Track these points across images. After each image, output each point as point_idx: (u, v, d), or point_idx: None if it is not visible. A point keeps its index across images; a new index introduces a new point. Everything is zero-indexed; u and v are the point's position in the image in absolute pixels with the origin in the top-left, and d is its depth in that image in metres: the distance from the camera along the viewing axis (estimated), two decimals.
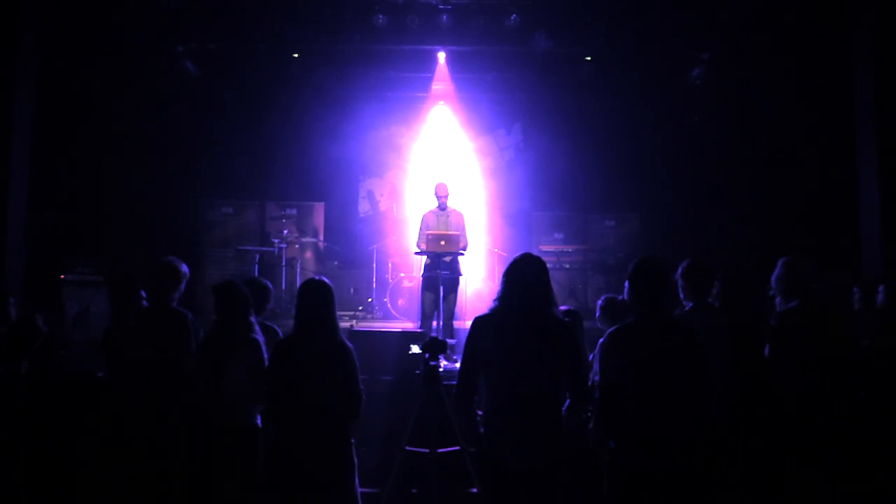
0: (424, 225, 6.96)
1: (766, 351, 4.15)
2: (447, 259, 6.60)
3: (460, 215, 7.03)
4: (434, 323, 6.60)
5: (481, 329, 2.96)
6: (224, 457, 3.55)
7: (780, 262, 4.06)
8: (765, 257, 7.47)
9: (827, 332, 3.86)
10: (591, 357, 4.25)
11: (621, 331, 2.93)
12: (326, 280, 3.45)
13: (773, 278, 4.08)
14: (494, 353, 2.90)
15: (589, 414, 3.19)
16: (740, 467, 3.78)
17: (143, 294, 4.39)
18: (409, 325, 7.70)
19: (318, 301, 3.37)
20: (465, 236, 6.89)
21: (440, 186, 7.03)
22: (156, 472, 3.83)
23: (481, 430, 2.95)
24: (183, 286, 4.17)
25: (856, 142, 7.12)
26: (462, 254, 6.75)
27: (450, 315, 6.74)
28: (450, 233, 6.69)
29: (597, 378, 2.97)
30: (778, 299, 4.68)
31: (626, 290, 3.05)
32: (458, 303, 7.01)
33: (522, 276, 2.96)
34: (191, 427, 3.67)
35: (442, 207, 6.99)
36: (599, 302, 4.38)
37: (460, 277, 6.88)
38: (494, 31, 8.62)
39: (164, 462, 3.83)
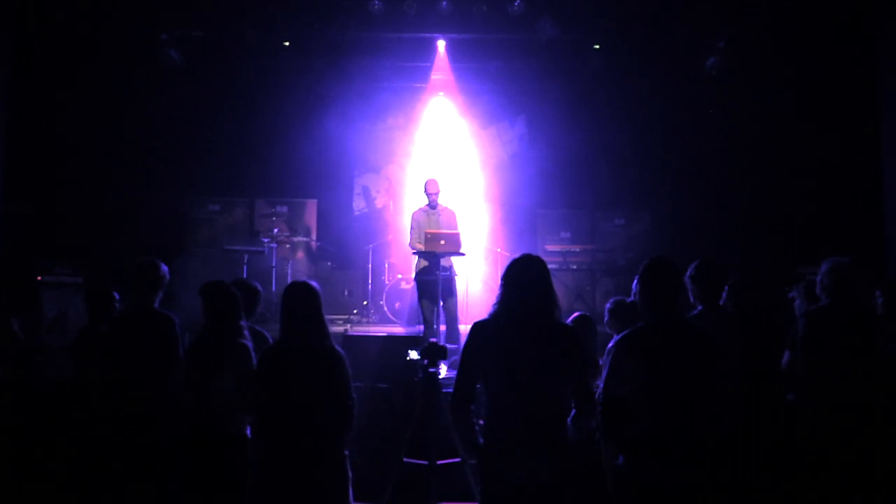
0: (416, 224, 6.95)
1: (785, 358, 4.18)
2: (446, 262, 6.60)
3: (452, 214, 7.00)
4: (438, 328, 6.63)
5: (480, 335, 2.97)
6: (211, 468, 3.57)
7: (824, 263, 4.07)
8: (782, 258, 7.54)
9: (856, 336, 3.88)
10: (600, 362, 4.28)
11: (631, 336, 2.94)
12: (312, 283, 3.46)
13: (817, 279, 4.09)
14: (494, 360, 2.90)
15: (595, 425, 3.20)
16: (755, 479, 3.80)
17: (117, 296, 4.41)
18: (407, 330, 7.73)
19: (304, 305, 3.37)
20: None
21: (430, 183, 7.00)
22: (140, 484, 3.85)
23: (481, 441, 2.97)
24: (165, 288, 4.20)
25: (880, 136, 7.14)
26: (463, 254, 6.76)
27: (452, 318, 6.74)
28: (451, 232, 6.69)
29: (601, 385, 2.98)
30: (797, 302, 4.71)
31: (635, 291, 3.06)
32: (459, 305, 7.01)
33: (521, 279, 2.96)
34: (177, 436, 3.68)
35: (433, 206, 6.95)
36: (608, 305, 4.40)
37: (456, 278, 6.88)
38: (497, 18, 8.63)
39: (149, 473, 3.84)
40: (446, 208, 7.04)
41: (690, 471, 2.79)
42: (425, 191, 6.99)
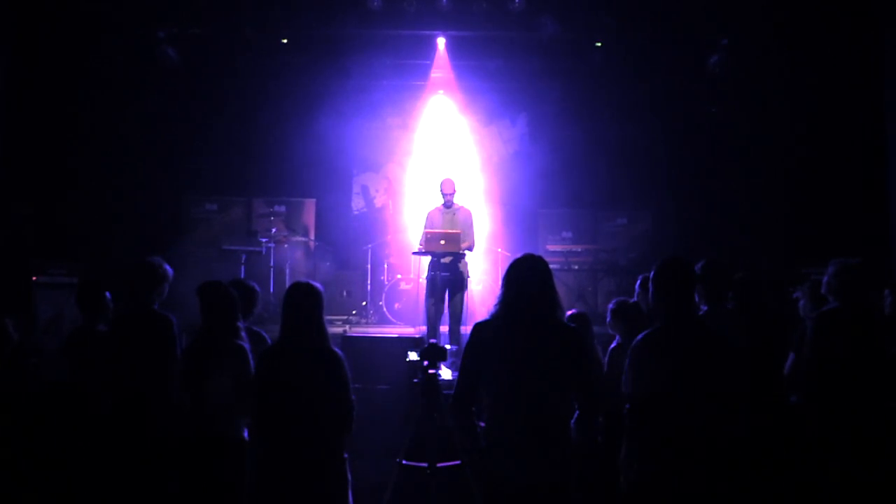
0: (429, 223, 6.94)
1: (789, 359, 4.16)
2: (446, 260, 6.60)
3: (468, 213, 7.02)
4: (444, 328, 6.62)
5: (480, 336, 2.96)
6: (208, 471, 3.55)
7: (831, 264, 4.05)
8: (786, 258, 7.53)
9: (867, 339, 3.86)
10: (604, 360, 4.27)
11: (650, 338, 2.93)
12: (315, 283, 3.45)
13: (824, 280, 4.08)
14: (495, 362, 2.89)
15: (597, 426, 3.19)
16: (758, 480, 3.78)
17: (109, 296, 4.40)
18: (407, 331, 7.71)
19: (306, 306, 3.36)
20: (472, 235, 6.90)
21: (446, 183, 7.01)
22: (137, 486, 3.83)
23: (482, 443, 2.95)
24: (166, 289, 4.18)
25: (886, 134, 7.13)
26: (464, 254, 6.74)
27: (455, 320, 6.73)
28: (450, 231, 6.68)
29: (626, 390, 2.96)
30: (801, 302, 4.69)
31: (649, 293, 3.05)
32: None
33: (523, 279, 2.94)
34: (174, 438, 3.67)
35: (448, 205, 6.97)
36: (610, 306, 4.39)
37: (467, 280, 6.87)
38: (498, 15, 8.62)
39: (146, 475, 3.83)
40: (462, 207, 7.04)
41: (707, 472, 2.79)
42: (441, 190, 6.98)
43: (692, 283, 2.99)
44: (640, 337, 2.98)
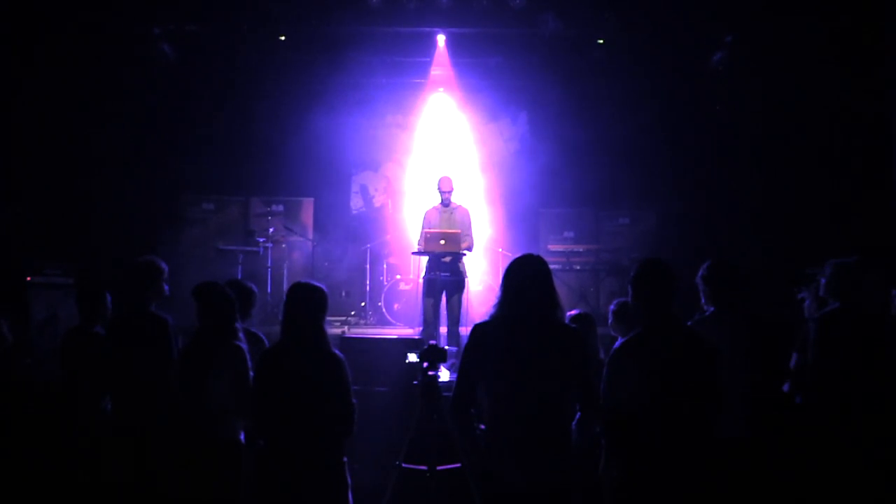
0: (426, 223, 6.94)
1: (793, 360, 4.16)
2: (446, 260, 6.60)
3: (466, 212, 7.03)
4: (443, 329, 6.62)
5: (480, 338, 2.96)
6: (204, 473, 3.55)
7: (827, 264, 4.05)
8: (791, 258, 7.51)
9: (869, 339, 3.86)
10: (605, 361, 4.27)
11: (628, 344, 2.94)
12: (318, 284, 3.45)
13: (822, 281, 4.07)
14: (495, 363, 2.89)
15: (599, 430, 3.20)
16: (762, 482, 3.79)
17: (109, 297, 4.41)
18: (407, 332, 7.70)
19: (307, 307, 3.36)
20: (470, 235, 6.90)
21: (444, 181, 7.00)
22: (133, 487, 3.83)
23: (482, 445, 2.95)
24: (163, 288, 4.18)
25: (891, 133, 7.13)
26: (464, 254, 6.75)
27: (454, 321, 6.73)
28: (450, 231, 6.68)
29: (601, 399, 2.98)
30: (807, 303, 4.69)
31: (629, 295, 3.06)
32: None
33: (522, 279, 2.95)
34: (170, 439, 3.67)
35: (445, 204, 6.98)
36: (612, 307, 4.40)
37: (465, 280, 6.88)
38: (498, 12, 8.62)
39: (140, 477, 3.83)
40: (460, 206, 7.04)
41: (686, 482, 2.78)
42: (438, 188, 6.98)
43: (670, 285, 2.97)
44: (616, 345, 2.98)
